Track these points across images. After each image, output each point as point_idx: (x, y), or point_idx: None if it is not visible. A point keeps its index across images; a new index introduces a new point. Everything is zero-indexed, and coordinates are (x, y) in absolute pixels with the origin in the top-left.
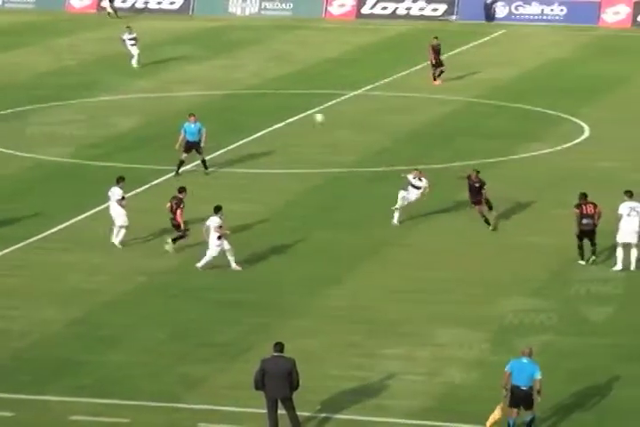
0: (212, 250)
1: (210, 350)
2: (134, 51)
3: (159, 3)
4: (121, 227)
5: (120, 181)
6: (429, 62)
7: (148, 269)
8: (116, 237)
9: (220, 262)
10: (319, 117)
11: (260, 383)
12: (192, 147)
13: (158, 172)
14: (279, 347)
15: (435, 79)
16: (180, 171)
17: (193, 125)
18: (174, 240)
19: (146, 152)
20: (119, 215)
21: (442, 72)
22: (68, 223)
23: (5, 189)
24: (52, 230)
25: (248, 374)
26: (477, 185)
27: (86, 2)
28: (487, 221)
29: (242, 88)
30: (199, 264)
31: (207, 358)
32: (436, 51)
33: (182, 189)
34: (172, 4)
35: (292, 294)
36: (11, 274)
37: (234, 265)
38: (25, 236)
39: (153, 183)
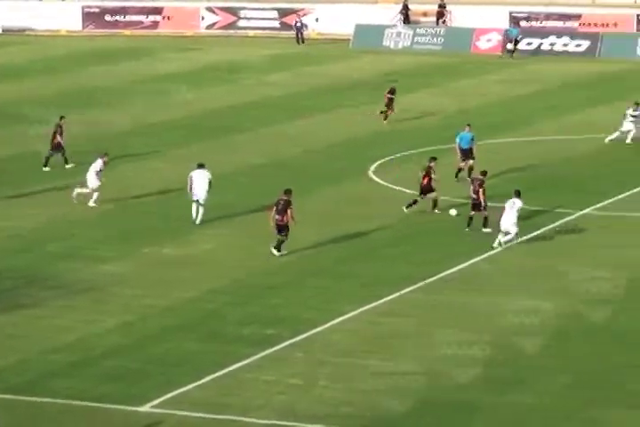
0: (513, 229)
1: (616, 395)
2: (628, 126)
3: (565, 45)
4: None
5: None
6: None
7: (541, 313)
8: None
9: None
10: (453, 212)
11: None
12: (467, 153)
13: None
14: None
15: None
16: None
17: (468, 134)
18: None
19: (543, 193)
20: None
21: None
22: (465, 265)
23: (403, 230)
24: (449, 271)
25: None
26: None
27: (492, 43)
28: None
29: None
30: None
31: (614, 403)
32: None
33: (289, 191)
34: (578, 46)
35: None
36: (409, 314)
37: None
38: (422, 276)
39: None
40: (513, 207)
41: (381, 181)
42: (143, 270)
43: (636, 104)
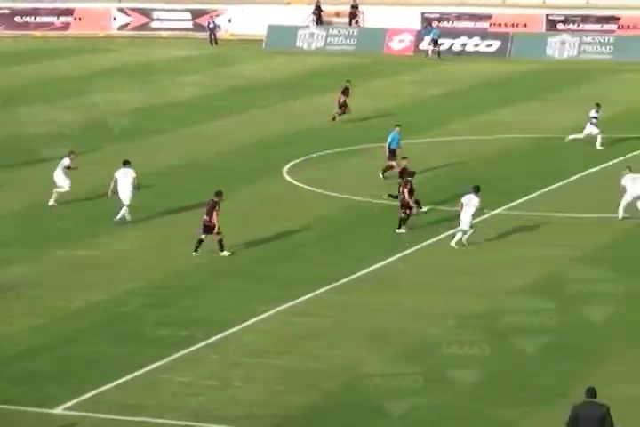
0: (465, 226)
1: (523, 393)
2: (589, 129)
3: (476, 45)
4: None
5: None
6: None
7: (459, 312)
8: (454, 240)
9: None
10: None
11: None
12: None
13: None
14: (591, 392)
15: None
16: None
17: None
18: (220, 247)
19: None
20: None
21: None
22: (380, 264)
23: (318, 230)
24: (365, 271)
25: (559, 419)
26: None
27: (405, 44)
28: None
29: (558, 131)
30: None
31: (520, 401)
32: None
33: (219, 193)
34: (489, 46)
35: (608, 340)
36: (324, 314)
37: (453, 243)
38: (337, 276)
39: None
40: (469, 204)
41: (295, 182)
42: (57, 272)
43: (597, 105)
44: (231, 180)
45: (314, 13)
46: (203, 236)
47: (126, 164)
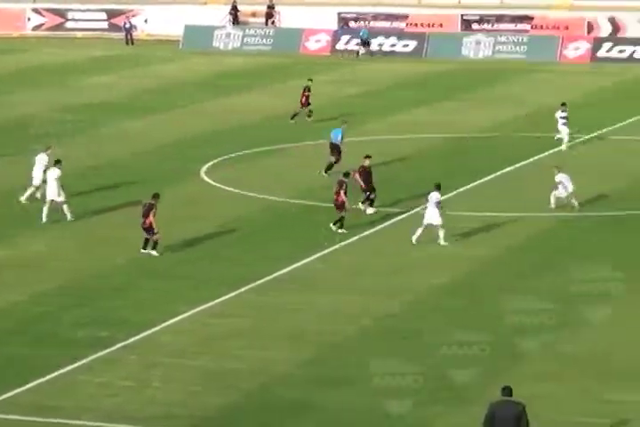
0: (436, 221)
1: (437, 393)
2: (564, 131)
3: (393, 45)
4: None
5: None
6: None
7: (376, 312)
8: (440, 239)
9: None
10: (370, 211)
11: None
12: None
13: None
14: (508, 391)
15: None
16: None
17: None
18: (153, 246)
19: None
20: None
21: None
22: (298, 264)
23: (236, 231)
24: (283, 272)
25: (472, 417)
26: None
27: (322, 44)
28: None
29: (473, 131)
30: (441, 241)
31: (433, 400)
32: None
33: (156, 196)
34: (405, 46)
35: (520, 338)
36: (242, 314)
37: (442, 242)
38: (255, 277)
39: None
40: (431, 201)
41: (213, 182)
42: None
43: (563, 105)
44: (149, 180)
45: (230, 13)
46: (147, 236)
47: (57, 163)
